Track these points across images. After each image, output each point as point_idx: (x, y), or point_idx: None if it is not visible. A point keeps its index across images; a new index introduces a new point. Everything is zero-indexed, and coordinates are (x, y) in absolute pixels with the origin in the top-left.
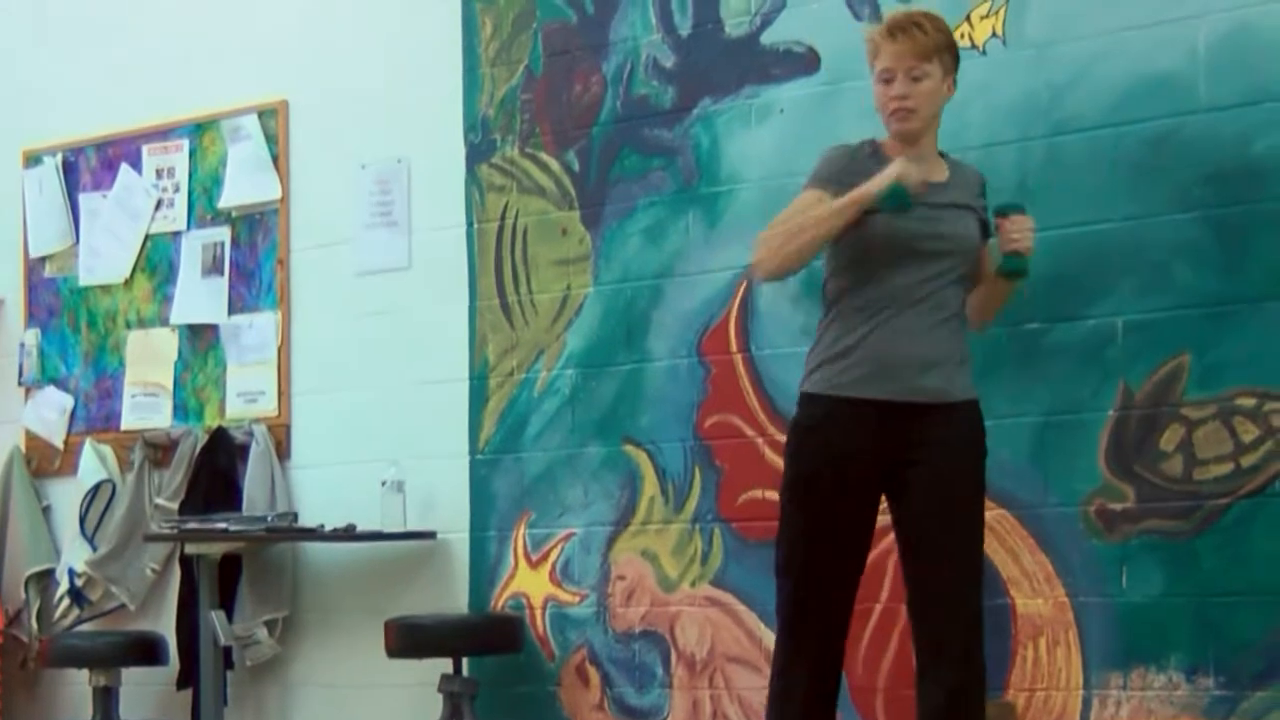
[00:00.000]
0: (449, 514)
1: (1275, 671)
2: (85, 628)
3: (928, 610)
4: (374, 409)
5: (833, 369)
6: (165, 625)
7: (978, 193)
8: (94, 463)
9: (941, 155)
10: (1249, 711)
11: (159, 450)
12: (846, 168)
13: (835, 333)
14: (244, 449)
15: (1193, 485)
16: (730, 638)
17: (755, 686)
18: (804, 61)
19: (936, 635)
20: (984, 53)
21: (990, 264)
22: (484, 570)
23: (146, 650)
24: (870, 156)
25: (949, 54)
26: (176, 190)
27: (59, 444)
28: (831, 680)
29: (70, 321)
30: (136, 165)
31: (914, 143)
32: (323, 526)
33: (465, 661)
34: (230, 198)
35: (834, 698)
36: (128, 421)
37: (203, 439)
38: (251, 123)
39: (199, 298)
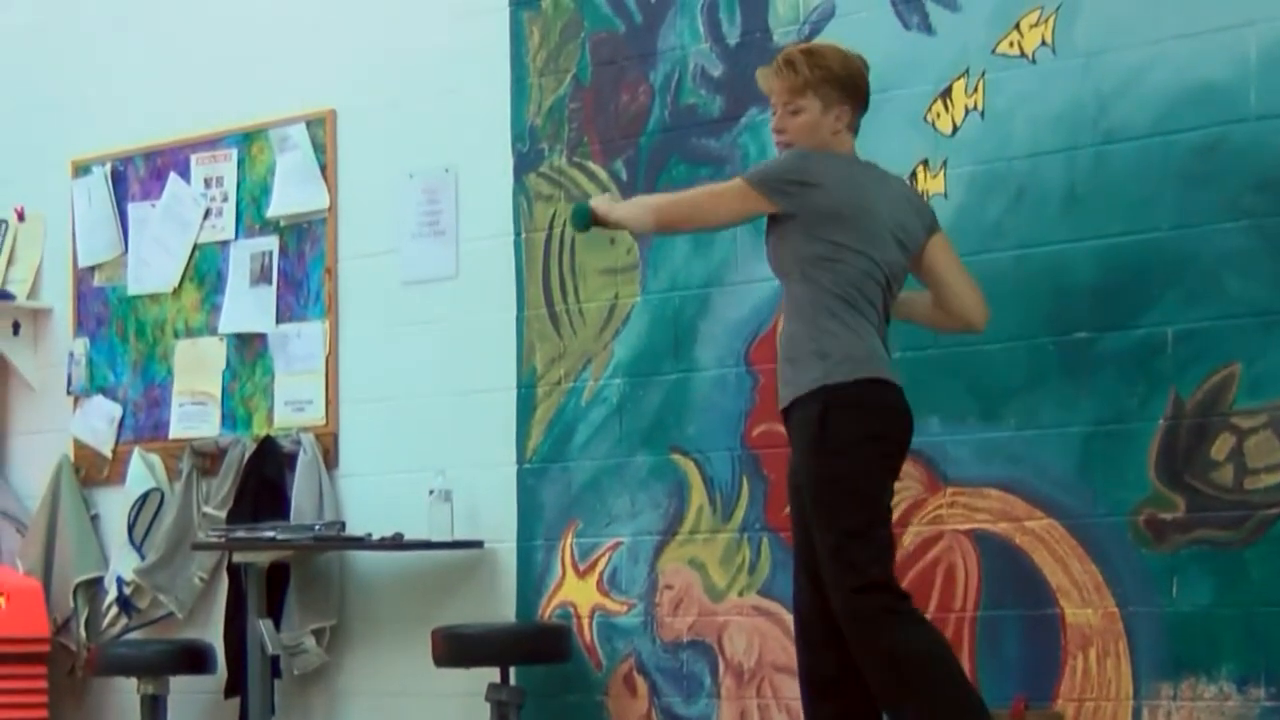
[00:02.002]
0: (496, 523)
1: None
2: (133, 636)
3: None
4: (421, 418)
5: (878, 358)
6: (213, 634)
7: None
8: (142, 471)
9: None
10: None
11: (207, 459)
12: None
13: (836, 335)
14: (291, 458)
15: (1243, 495)
16: (778, 647)
17: None
18: None
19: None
20: (1034, 61)
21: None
22: (531, 579)
23: (194, 659)
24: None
25: (830, 86)
26: (225, 200)
27: (107, 453)
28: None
29: (119, 331)
30: (185, 175)
31: None
32: (370, 535)
33: (513, 671)
34: (278, 207)
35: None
36: (176, 430)
37: (250, 448)
38: (300, 132)
39: (247, 307)
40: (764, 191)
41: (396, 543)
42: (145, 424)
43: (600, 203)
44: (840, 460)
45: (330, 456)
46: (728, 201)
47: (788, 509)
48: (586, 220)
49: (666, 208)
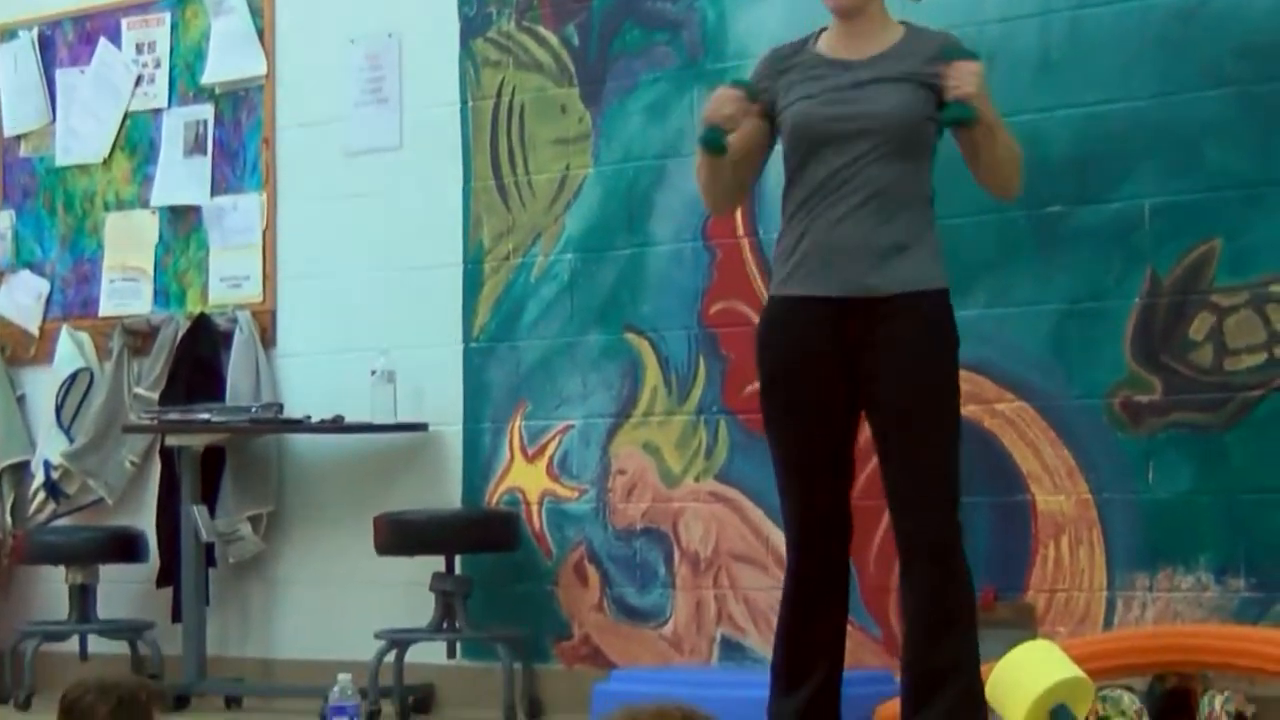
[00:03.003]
0: (441, 405)
1: None
2: (61, 523)
3: (899, 516)
4: (363, 295)
5: (783, 269)
6: (145, 521)
7: (929, 59)
8: (71, 350)
9: (904, 24)
10: None
11: (139, 338)
12: (765, 73)
13: (784, 233)
14: (227, 337)
15: (1223, 376)
16: (736, 535)
17: (762, 586)
18: None
19: (908, 540)
20: None
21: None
22: (478, 464)
23: (125, 546)
24: (796, 52)
25: None
26: (157, 66)
27: (34, 331)
28: (837, 579)
29: (46, 203)
30: (116, 40)
31: (851, 18)
32: (309, 418)
33: (458, 559)
34: (214, 74)
35: (840, 605)
36: (106, 307)
37: (184, 326)
38: None
39: (181, 178)
40: None
41: (337, 425)
42: (74, 300)
43: (708, 108)
44: (956, 373)
45: (268, 335)
46: None
47: (761, 397)
48: (715, 137)
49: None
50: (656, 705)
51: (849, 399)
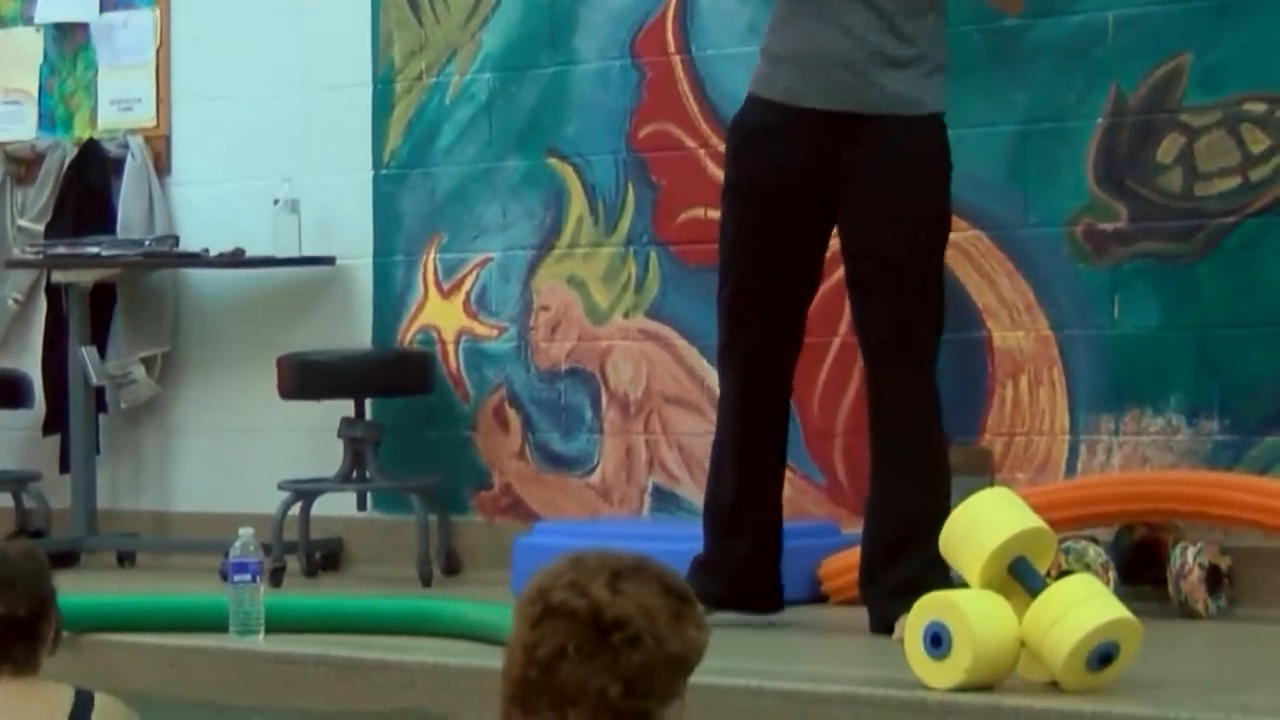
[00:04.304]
0: (350, 237)
1: None
2: None
3: (874, 365)
4: (265, 118)
5: (768, 67)
6: (30, 364)
7: None
8: None
9: None
10: (1257, 459)
11: (22, 165)
12: None
13: (775, 26)
14: (118, 164)
15: (1194, 202)
16: (668, 376)
17: (696, 431)
18: None
19: (880, 389)
20: None
21: None
22: (389, 301)
23: (9, 391)
24: None
25: None
26: None
27: None
28: (776, 414)
29: None
30: None
31: None
32: (207, 251)
33: (368, 404)
34: None
35: (780, 441)
36: None
37: (72, 152)
38: None
39: None
40: None
41: (237, 260)
42: None
43: None
44: (947, 208)
45: (162, 162)
46: None
47: (729, 219)
48: None
49: None
50: (606, 552)
51: (822, 221)
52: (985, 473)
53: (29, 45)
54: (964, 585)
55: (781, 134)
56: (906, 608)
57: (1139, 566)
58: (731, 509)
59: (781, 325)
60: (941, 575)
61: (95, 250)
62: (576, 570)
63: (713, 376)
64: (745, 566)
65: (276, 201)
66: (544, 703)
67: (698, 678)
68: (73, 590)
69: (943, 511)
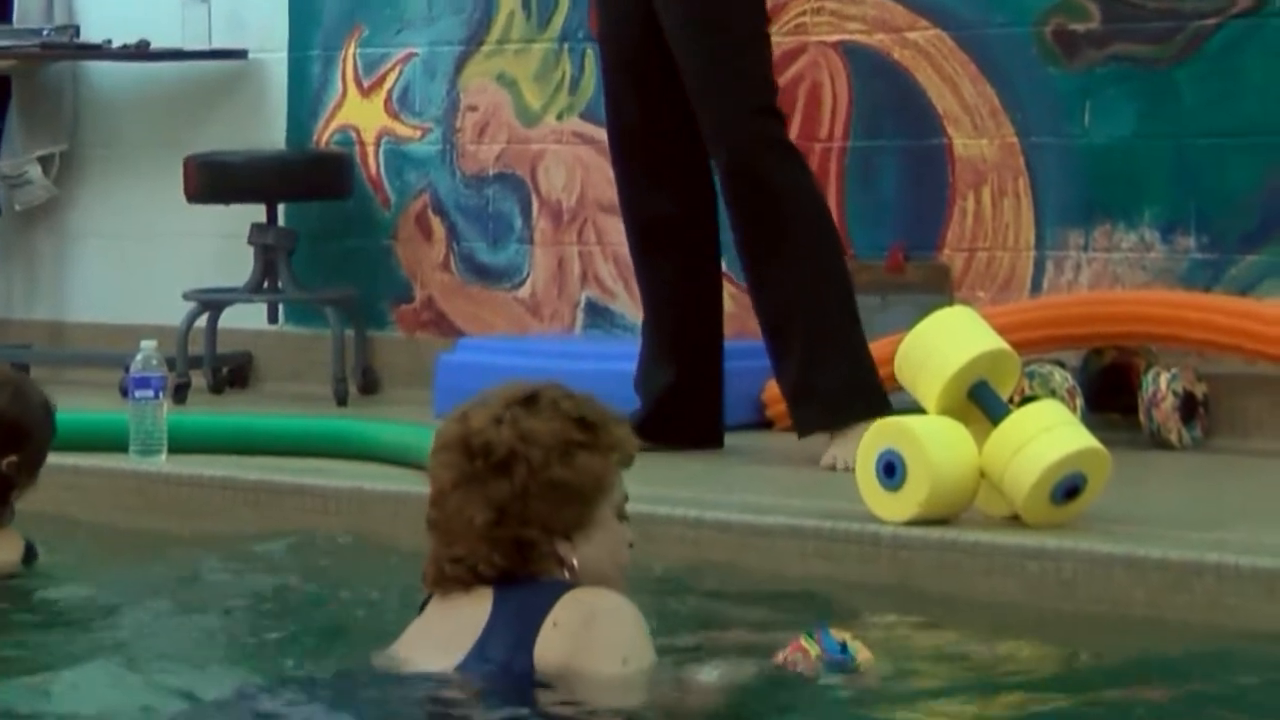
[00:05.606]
0: (263, 29)
1: (1270, 230)
2: None
3: (704, 131)
4: None
5: None
6: None
7: None
8: None
9: None
10: (1237, 279)
11: None
12: None
13: None
14: None
15: (1172, 2)
16: (604, 181)
17: None
18: None
19: (714, 157)
20: None
21: None
22: (305, 99)
23: None
24: None
25: None
26: None
27: None
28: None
29: None
30: None
31: None
32: (109, 42)
33: (281, 208)
34: None
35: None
36: None
37: None
38: None
39: None
40: None
41: (142, 52)
42: None
43: None
44: None
45: None
46: None
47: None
48: None
49: None
50: (516, 384)
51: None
52: (944, 290)
53: None
54: (919, 410)
55: None
56: (809, 421)
57: (1108, 393)
58: (654, 329)
59: (650, 119)
60: (831, 369)
61: None
62: (477, 399)
63: None
64: (668, 395)
65: None
66: (440, 538)
67: (631, 507)
68: None
69: (810, 289)
